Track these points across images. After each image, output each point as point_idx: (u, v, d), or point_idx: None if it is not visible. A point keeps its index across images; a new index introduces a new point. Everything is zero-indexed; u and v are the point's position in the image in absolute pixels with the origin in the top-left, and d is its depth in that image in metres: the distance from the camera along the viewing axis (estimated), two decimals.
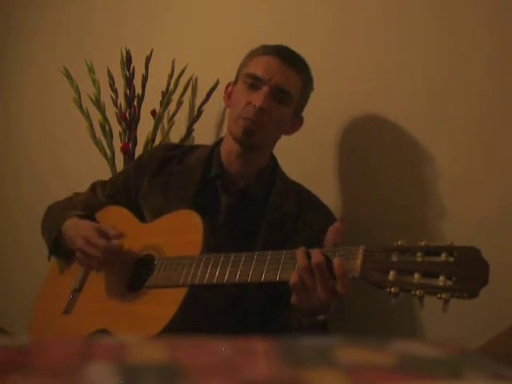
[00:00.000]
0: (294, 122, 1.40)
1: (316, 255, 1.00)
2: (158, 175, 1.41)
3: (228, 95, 1.40)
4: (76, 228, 1.35)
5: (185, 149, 1.47)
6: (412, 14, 1.47)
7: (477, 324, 1.24)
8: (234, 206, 1.34)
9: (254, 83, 1.31)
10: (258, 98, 1.29)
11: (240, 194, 1.35)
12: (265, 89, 1.29)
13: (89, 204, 1.47)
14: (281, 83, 1.30)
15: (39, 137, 2.56)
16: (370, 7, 1.55)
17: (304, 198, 1.37)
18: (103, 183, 1.52)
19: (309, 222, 1.31)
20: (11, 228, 2.66)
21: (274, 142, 1.41)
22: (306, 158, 1.61)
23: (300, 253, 1.02)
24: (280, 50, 1.35)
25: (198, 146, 1.49)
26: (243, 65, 1.38)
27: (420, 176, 1.44)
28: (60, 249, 1.42)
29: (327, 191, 1.50)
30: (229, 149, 1.37)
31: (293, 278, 1.02)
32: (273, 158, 1.42)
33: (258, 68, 1.32)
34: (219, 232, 1.28)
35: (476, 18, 1.36)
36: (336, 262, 0.98)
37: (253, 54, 1.37)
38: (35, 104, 2.60)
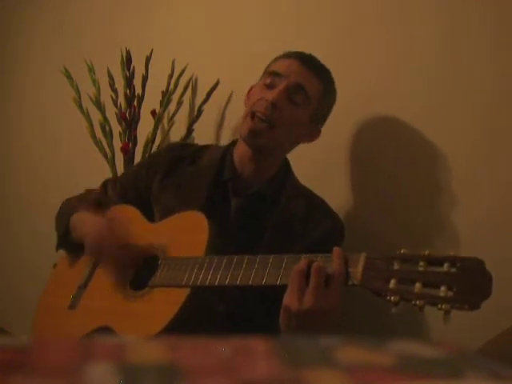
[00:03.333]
0: (311, 131, 1.38)
1: (315, 273, 0.98)
2: (169, 175, 1.40)
3: (248, 97, 1.39)
4: (86, 221, 1.36)
5: (196, 148, 1.46)
6: (414, 14, 1.47)
7: (477, 324, 1.24)
8: (244, 210, 1.33)
9: (273, 82, 1.31)
10: (272, 93, 1.29)
11: (251, 198, 1.34)
12: (282, 84, 1.29)
13: (100, 202, 1.47)
14: (301, 81, 1.30)
15: (39, 137, 2.56)
16: (372, 8, 1.55)
17: (313, 203, 1.36)
18: (114, 181, 1.52)
19: (317, 227, 1.30)
20: (11, 228, 2.66)
21: (289, 148, 1.39)
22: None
23: (301, 265, 1.01)
24: (304, 55, 1.35)
25: (209, 146, 1.49)
26: (266, 68, 1.38)
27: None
28: (68, 241, 1.42)
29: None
30: (241, 152, 1.36)
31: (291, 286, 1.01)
32: (285, 163, 1.41)
33: (280, 66, 1.33)
34: (228, 235, 1.28)
35: (478, 18, 1.36)
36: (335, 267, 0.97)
37: (276, 58, 1.38)
38: (35, 104, 2.61)
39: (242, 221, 1.33)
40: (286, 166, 1.41)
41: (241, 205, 1.33)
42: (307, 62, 1.33)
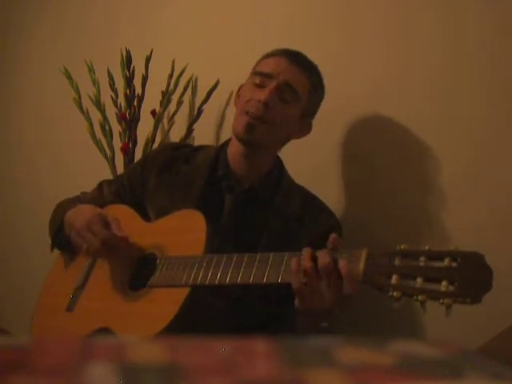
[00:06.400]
0: (302, 127, 1.39)
1: (323, 256, 1.00)
2: (163, 174, 1.41)
3: (238, 97, 1.41)
4: (78, 212, 1.35)
5: (191, 148, 1.48)
6: (416, 13, 1.47)
7: (477, 324, 1.24)
8: (238, 207, 1.34)
9: (261, 82, 1.32)
10: (263, 93, 1.30)
11: (245, 195, 1.35)
12: (272, 84, 1.31)
13: (95, 202, 1.47)
14: (289, 79, 1.32)
15: (39, 137, 2.56)
16: (374, 8, 1.55)
17: (309, 201, 1.37)
18: (110, 181, 1.53)
19: (313, 226, 1.31)
20: (11, 228, 2.66)
21: (280, 144, 1.40)
22: (309, 159, 1.61)
23: (306, 254, 1.02)
24: (290, 52, 1.36)
25: (204, 147, 1.50)
26: (254, 67, 1.39)
27: (424, 177, 1.44)
28: (62, 240, 1.42)
29: (331, 193, 1.49)
30: (234, 150, 1.37)
31: (295, 283, 1.02)
32: (279, 161, 1.42)
33: (267, 66, 1.34)
34: (223, 232, 1.28)
35: (479, 18, 1.36)
36: (342, 263, 0.98)
37: (263, 57, 1.39)
38: (35, 104, 2.60)
39: (236, 217, 1.33)
40: (280, 164, 1.42)
41: (234, 201, 1.34)
42: (294, 59, 1.35)
